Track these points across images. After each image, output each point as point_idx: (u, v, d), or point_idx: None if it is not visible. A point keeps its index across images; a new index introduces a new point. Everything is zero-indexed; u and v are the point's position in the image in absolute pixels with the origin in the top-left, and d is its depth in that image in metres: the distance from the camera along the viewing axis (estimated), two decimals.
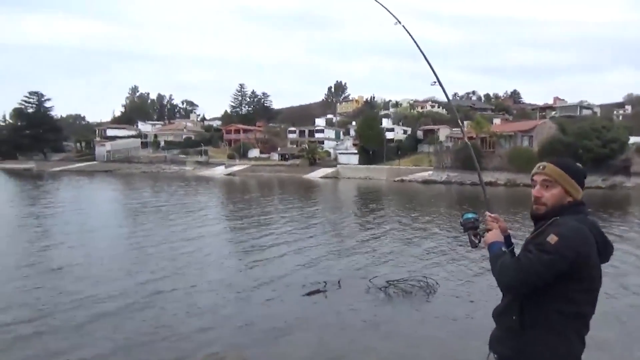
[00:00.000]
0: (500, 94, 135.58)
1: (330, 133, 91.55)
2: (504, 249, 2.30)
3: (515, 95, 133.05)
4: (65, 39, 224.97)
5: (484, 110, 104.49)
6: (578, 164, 2.30)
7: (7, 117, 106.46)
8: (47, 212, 22.75)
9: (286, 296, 9.12)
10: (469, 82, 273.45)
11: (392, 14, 3.35)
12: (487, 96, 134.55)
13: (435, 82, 3.17)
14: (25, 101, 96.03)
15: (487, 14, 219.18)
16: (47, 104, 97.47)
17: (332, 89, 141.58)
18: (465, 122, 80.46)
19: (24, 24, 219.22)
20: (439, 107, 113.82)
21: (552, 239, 2.02)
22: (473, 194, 39.00)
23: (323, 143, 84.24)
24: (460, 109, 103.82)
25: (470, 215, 2.53)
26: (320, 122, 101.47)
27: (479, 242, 2.48)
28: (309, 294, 9.17)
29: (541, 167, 2.27)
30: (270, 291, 9.42)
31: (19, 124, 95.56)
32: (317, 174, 63.37)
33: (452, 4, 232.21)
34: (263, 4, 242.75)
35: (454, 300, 9.02)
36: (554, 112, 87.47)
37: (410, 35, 3.28)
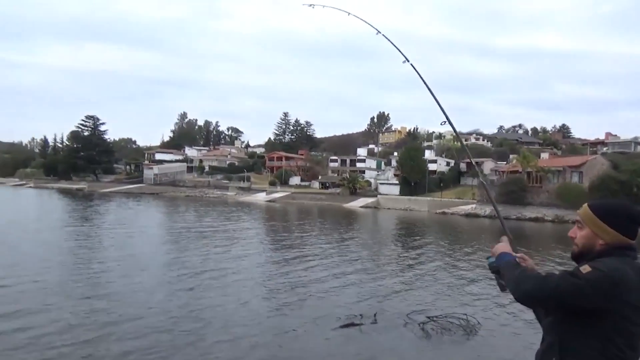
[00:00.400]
0: (549, 127, 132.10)
1: (371, 163, 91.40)
2: (518, 260, 2.25)
3: (564, 130, 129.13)
4: (122, 67, 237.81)
5: (530, 144, 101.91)
6: (625, 207, 2.16)
7: (65, 139, 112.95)
8: (96, 233, 23.66)
9: (321, 328, 9.00)
10: (515, 116, 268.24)
11: (401, 52, 3.42)
12: (534, 130, 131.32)
13: (445, 121, 3.05)
14: (82, 124, 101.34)
15: (536, 47, 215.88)
16: (102, 128, 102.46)
17: (375, 119, 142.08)
18: (510, 156, 78.67)
19: (86, 51, 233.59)
20: (483, 140, 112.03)
21: (585, 268, 1.97)
22: (517, 229, 37.70)
23: (364, 172, 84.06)
24: (506, 143, 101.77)
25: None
26: (361, 151, 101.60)
27: None
28: (343, 326, 9.02)
29: (580, 209, 2.26)
30: (305, 322, 9.34)
31: (75, 145, 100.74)
32: (357, 204, 63.05)
33: (499, 37, 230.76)
34: (308, 36, 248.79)
35: (497, 342, 8.64)
36: (605, 148, 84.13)
37: (418, 73, 3.30)
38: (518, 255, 2.41)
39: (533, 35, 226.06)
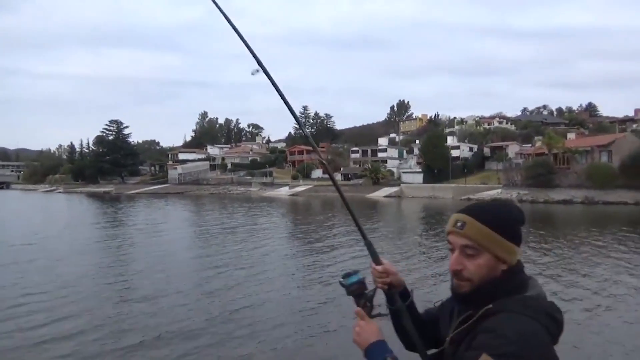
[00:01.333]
0: (574, 107, 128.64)
1: (393, 152, 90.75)
2: (389, 358, 1.45)
3: (590, 109, 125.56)
4: (141, 71, 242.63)
5: (556, 125, 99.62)
6: (512, 207, 1.47)
7: (90, 144, 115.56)
8: (128, 235, 24.12)
9: (348, 320, 8.92)
10: (539, 97, 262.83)
11: None
12: (559, 110, 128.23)
13: (258, 69, 2.09)
14: (106, 129, 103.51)
15: (557, 24, 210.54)
16: (125, 131, 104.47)
17: (395, 108, 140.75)
18: (535, 138, 77.03)
19: (106, 58, 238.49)
20: (507, 123, 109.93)
21: None
22: (546, 213, 36.88)
23: (386, 162, 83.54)
24: (530, 125, 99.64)
25: (354, 279, 1.67)
26: (383, 141, 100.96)
27: (373, 308, 1.63)
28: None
29: (459, 225, 1.44)
30: (331, 314, 9.30)
31: (101, 150, 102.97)
32: (380, 194, 62.72)
33: (519, 17, 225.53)
34: (323, 30, 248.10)
35: None
36: (635, 125, 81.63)
37: (220, 10, 2.22)
38: (379, 268, 1.76)
39: (553, 13, 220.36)
